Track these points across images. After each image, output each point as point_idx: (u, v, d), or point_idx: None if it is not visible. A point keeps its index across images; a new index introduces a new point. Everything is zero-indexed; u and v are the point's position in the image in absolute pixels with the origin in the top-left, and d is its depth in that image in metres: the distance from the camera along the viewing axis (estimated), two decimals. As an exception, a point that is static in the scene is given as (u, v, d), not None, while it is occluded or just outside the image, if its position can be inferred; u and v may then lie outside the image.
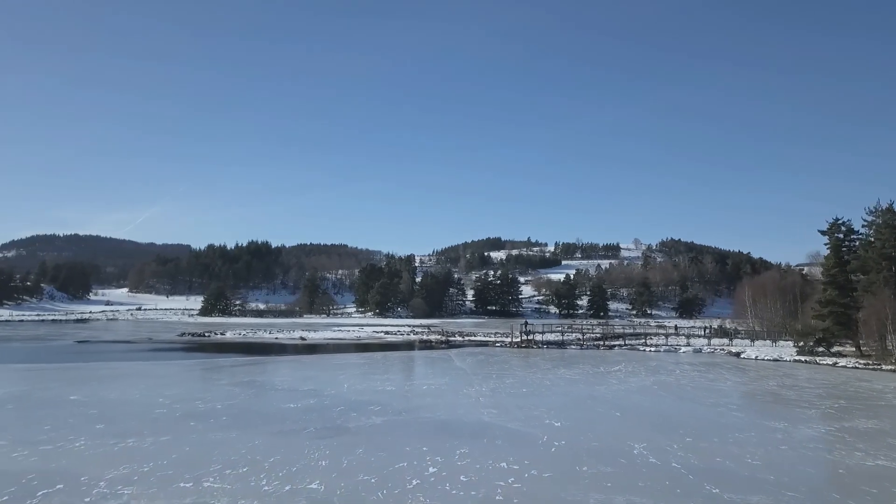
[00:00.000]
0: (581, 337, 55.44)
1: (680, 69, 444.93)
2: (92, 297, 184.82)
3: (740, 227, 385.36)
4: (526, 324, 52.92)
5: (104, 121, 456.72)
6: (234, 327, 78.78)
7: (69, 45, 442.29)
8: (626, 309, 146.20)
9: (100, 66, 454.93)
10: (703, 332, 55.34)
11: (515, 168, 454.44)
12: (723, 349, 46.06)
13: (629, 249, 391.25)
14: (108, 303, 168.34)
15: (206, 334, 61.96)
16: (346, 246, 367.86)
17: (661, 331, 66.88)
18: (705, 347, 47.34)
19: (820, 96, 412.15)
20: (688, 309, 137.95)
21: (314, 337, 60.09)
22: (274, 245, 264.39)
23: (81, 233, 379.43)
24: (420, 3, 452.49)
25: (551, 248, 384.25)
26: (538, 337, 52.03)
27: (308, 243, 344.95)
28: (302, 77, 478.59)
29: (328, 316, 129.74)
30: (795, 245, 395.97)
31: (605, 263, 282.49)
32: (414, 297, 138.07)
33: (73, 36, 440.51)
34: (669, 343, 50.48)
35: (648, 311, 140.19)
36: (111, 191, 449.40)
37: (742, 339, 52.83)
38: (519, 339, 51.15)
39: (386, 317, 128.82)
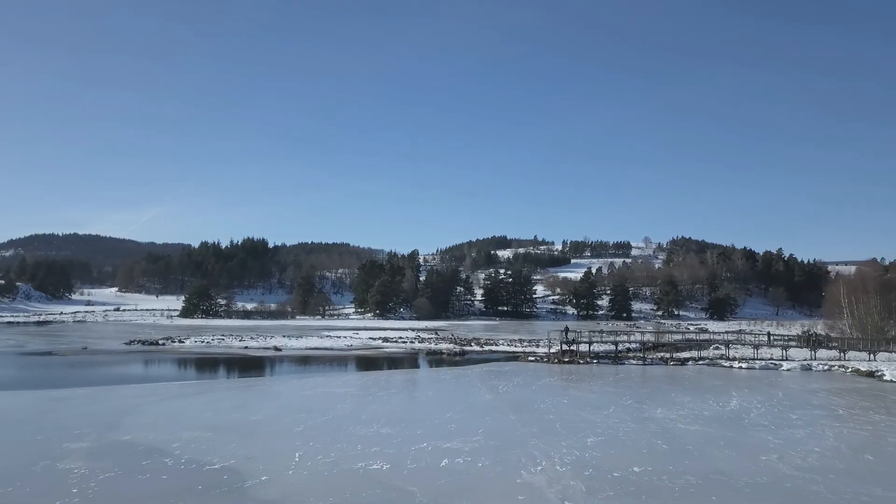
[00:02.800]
0: (640, 348, 43.09)
1: (681, 69, 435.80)
2: (74, 296, 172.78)
3: (749, 226, 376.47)
4: (567, 330, 40.48)
5: (108, 120, 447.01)
6: (208, 331, 66.57)
7: (71, 45, 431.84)
8: (651, 309, 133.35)
9: (103, 65, 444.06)
10: (796, 342, 42.73)
11: (519, 167, 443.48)
12: (842, 367, 33.64)
13: (640, 248, 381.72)
14: (88, 303, 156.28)
15: (161, 342, 49.76)
16: (347, 245, 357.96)
17: (703, 335, 54.42)
18: (814, 364, 34.91)
19: (820, 96, 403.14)
20: (719, 309, 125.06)
21: (294, 346, 47.84)
22: (276, 244, 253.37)
23: (81, 232, 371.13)
24: (424, 1, 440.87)
25: (559, 246, 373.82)
26: (582, 346, 39.66)
27: (309, 242, 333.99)
28: (305, 76, 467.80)
29: (323, 317, 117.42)
30: (807, 245, 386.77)
31: (617, 262, 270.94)
32: (418, 296, 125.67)
33: (76, 35, 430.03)
34: (760, 356, 38.02)
35: (675, 312, 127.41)
36: (115, 191, 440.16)
37: (853, 350, 40.15)
38: (559, 351, 38.84)
39: (387, 318, 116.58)
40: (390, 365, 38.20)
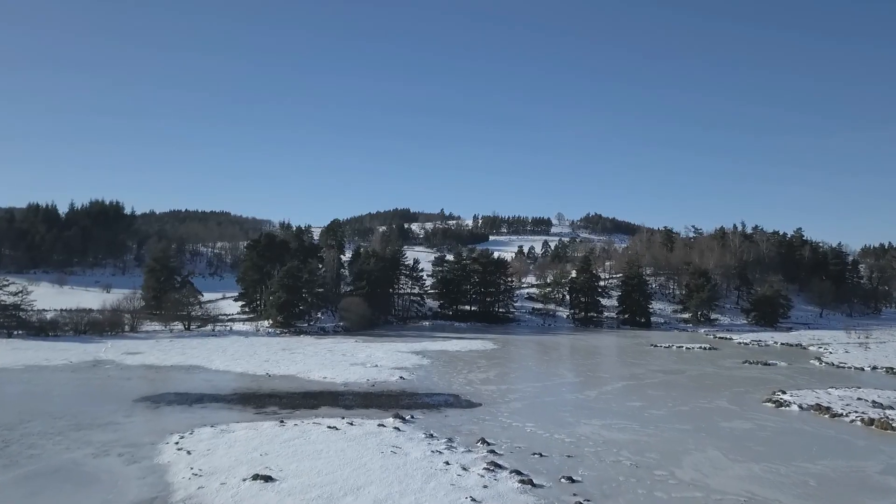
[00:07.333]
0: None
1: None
2: None
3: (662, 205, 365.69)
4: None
5: None
6: None
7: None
8: (674, 311, 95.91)
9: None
10: None
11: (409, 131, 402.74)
12: None
13: (554, 225, 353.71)
14: None
15: None
16: (228, 213, 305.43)
17: None
18: None
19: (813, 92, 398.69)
20: (767, 312, 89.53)
21: None
22: (137, 212, 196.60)
23: None
24: None
25: (469, 221, 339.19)
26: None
27: (182, 210, 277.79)
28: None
29: (187, 328, 69.72)
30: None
31: (552, 240, 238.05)
32: (345, 293, 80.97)
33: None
34: None
35: (709, 316, 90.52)
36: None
37: None
38: None
39: (295, 329, 71.32)
40: None
